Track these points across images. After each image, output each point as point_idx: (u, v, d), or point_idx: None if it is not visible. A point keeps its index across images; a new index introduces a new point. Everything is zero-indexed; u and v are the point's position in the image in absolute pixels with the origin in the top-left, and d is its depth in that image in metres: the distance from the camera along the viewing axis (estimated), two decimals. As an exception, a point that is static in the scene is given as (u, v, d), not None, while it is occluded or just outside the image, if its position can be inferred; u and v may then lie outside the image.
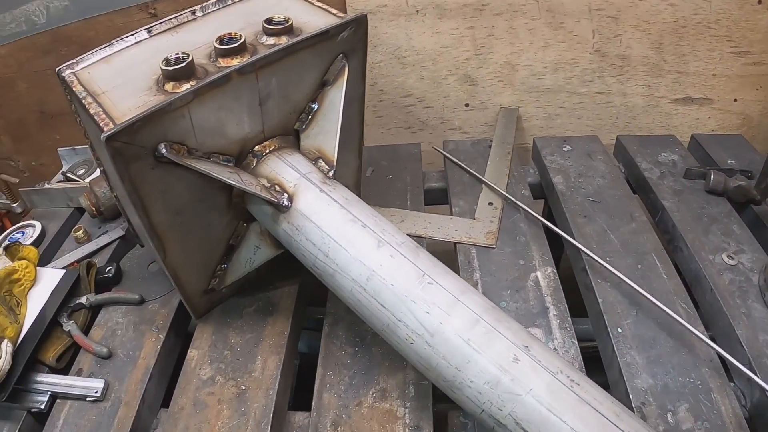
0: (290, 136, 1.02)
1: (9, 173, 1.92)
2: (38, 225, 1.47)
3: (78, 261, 1.32)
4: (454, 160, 1.43)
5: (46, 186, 1.54)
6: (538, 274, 1.15)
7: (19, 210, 1.53)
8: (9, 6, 1.63)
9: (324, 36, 0.93)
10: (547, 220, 1.23)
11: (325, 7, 1.02)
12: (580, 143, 1.50)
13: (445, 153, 1.45)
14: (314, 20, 0.98)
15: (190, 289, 1.03)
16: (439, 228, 1.27)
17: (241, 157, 0.97)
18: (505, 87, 1.60)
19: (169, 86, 0.84)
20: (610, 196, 1.33)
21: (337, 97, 0.99)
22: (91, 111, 0.82)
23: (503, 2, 1.47)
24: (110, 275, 1.24)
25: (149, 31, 0.97)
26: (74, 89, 0.88)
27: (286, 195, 0.92)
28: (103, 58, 0.94)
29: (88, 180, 1.54)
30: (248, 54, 0.89)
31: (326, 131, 1.00)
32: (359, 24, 0.97)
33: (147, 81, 0.86)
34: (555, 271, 1.15)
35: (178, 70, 0.83)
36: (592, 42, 1.49)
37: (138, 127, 0.77)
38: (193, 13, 1.01)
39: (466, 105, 1.64)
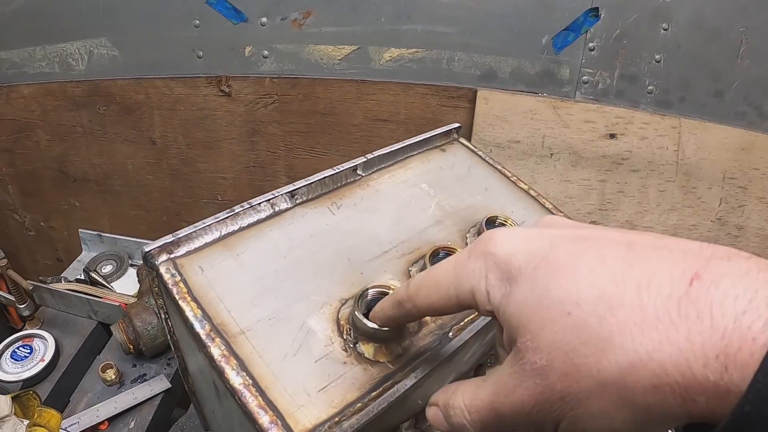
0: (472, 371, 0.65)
1: (12, 227, 1.48)
2: (51, 340, 1.05)
3: (109, 420, 0.91)
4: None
5: (63, 287, 1.11)
6: None
7: (26, 313, 1.09)
8: (43, 40, 1.20)
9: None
10: None
11: (533, 192, 0.66)
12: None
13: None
14: (531, 219, 0.62)
15: None
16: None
17: (421, 412, 0.58)
18: (619, 247, 1.30)
19: (367, 349, 0.45)
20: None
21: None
22: (236, 385, 0.43)
23: (643, 159, 1.20)
24: (160, 460, 0.84)
25: (292, 197, 0.58)
26: (181, 305, 0.48)
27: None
28: (221, 238, 0.54)
29: (118, 289, 1.13)
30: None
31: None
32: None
33: (318, 319, 0.48)
34: None
35: (388, 332, 0.44)
36: (717, 210, 1.27)
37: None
38: (355, 170, 0.62)
39: (577, 261, 1.32)
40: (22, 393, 0.85)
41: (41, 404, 0.86)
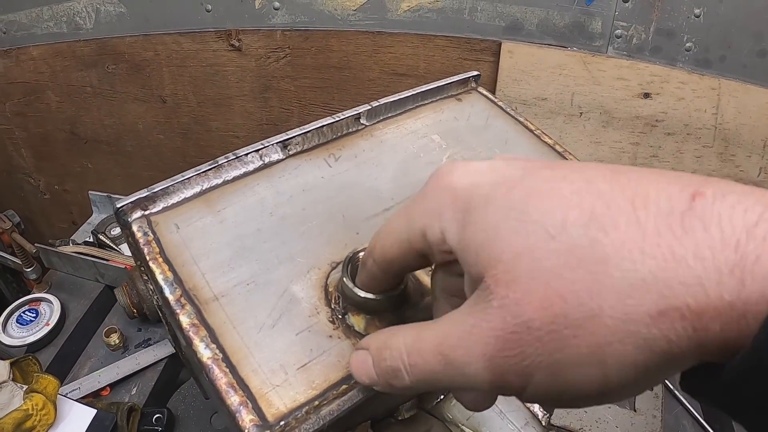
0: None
1: (27, 192, 1.43)
2: (56, 304, 1.00)
3: (111, 386, 0.86)
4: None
5: (70, 249, 1.06)
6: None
7: (33, 276, 1.05)
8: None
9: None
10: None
11: (559, 148, 0.57)
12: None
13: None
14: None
15: None
16: (597, 420, 0.90)
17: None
18: (651, 214, 1.19)
19: (358, 321, 0.38)
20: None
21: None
22: (204, 359, 0.36)
23: (679, 122, 1.08)
24: (159, 428, 0.79)
25: (285, 147, 0.50)
26: (152, 267, 0.41)
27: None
28: (202, 193, 0.46)
29: (126, 252, 1.07)
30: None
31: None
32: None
33: (303, 285, 0.40)
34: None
35: (383, 302, 0.36)
36: (756, 180, 1.14)
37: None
38: (357, 119, 0.54)
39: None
40: (22, 358, 0.81)
41: (40, 370, 0.82)
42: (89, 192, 1.16)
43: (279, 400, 0.34)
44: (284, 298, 0.39)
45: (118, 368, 0.89)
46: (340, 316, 0.38)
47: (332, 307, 0.39)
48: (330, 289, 0.40)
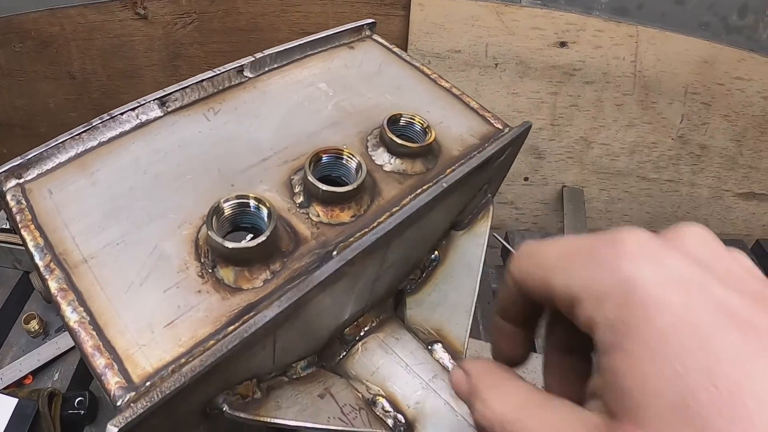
0: (390, 299, 0.56)
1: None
2: (-27, 295, 0.96)
3: (33, 374, 0.84)
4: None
5: (-16, 237, 1.01)
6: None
7: (-53, 269, 1.00)
8: (-51, -20, 1.06)
9: (484, 165, 0.48)
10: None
11: (456, 91, 0.56)
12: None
13: (514, 251, 1.03)
14: (451, 120, 0.52)
15: None
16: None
17: (326, 348, 0.51)
18: (573, 164, 1.24)
19: (227, 274, 0.37)
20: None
21: (472, 248, 0.54)
22: (71, 323, 0.36)
23: (598, 70, 1.09)
24: (82, 411, 0.77)
25: (163, 104, 0.48)
26: (23, 234, 0.40)
27: (403, 422, 0.48)
28: (76, 156, 0.44)
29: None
30: (367, 197, 0.42)
31: (450, 301, 0.55)
32: (522, 136, 0.52)
33: (174, 241, 0.39)
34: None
35: (250, 251, 0.36)
36: (678, 127, 1.18)
37: (184, 390, 0.31)
38: (241, 71, 0.52)
39: (525, 179, 1.28)
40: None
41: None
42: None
43: (145, 360, 0.33)
44: (153, 256, 0.38)
45: (39, 355, 0.86)
46: (209, 270, 0.37)
47: (202, 261, 0.38)
48: (200, 243, 0.39)
